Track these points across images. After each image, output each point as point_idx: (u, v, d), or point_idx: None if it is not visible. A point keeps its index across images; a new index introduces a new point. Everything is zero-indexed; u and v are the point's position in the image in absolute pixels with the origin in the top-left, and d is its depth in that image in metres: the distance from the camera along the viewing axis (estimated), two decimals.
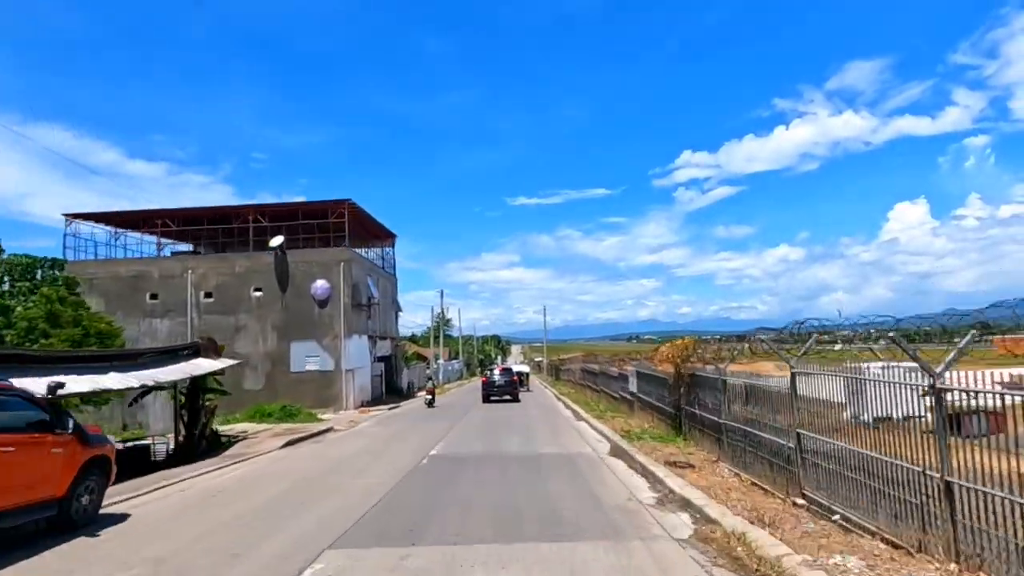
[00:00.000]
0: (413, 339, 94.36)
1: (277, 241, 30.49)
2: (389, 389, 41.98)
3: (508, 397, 32.94)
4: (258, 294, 30.89)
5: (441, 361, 66.38)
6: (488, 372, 36.29)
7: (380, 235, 41.16)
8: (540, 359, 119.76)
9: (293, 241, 31.97)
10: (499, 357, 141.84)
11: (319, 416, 25.86)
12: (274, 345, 30.62)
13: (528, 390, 43.22)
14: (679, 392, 14.69)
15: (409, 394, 42.65)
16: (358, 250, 38.00)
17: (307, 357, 30.52)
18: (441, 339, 71.01)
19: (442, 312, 67.91)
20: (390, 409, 30.84)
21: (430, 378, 36.84)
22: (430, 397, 30.80)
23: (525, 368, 54.34)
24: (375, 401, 34.77)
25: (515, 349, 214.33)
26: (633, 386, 20.63)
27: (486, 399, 32.43)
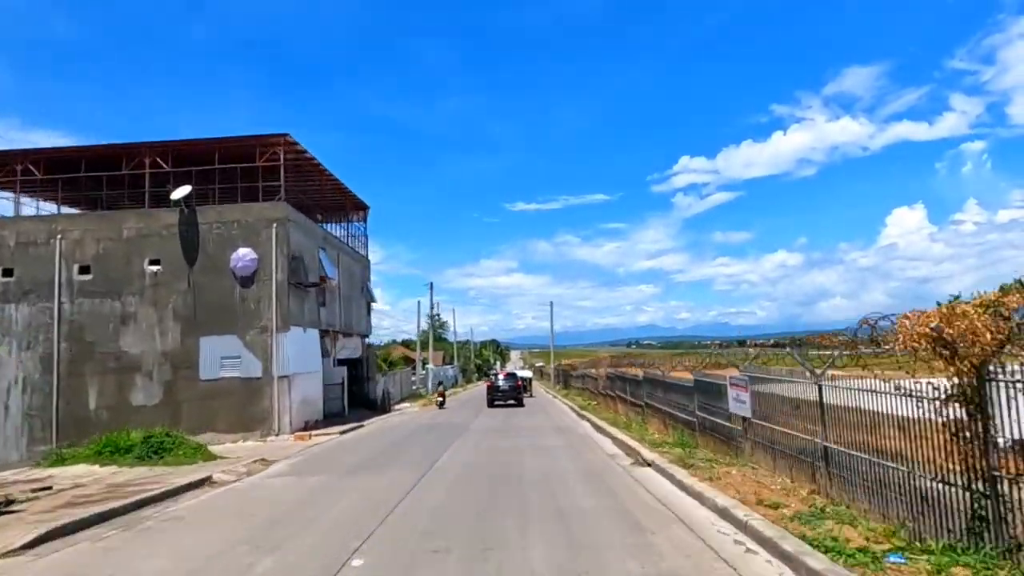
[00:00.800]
0: (406, 344, 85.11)
1: (182, 192, 21.29)
2: (357, 400, 32.68)
3: (512, 402, 33.03)
4: (155, 268, 21.65)
5: (431, 366, 57.07)
6: (493, 377, 37.46)
7: (345, 204, 31.96)
8: (541, 364, 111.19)
9: (206, 195, 22.77)
10: (498, 363, 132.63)
11: (215, 452, 16.54)
12: (176, 342, 21.36)
13: (531, 395, 41.77)
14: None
15: (384, 407, 33.40)
16: (324, 226, 28.83)
17: (224, 359, 21.26)
18: (431, 342, 61.72)
19: (432, 310, 58.53)
20: (344, 433, 21.58)
21: (441, 382, 43.01)
22: (441, 400, 34.49)
23: (528, 373, 52.27)
24: (331, 418, 25.55)
25: (514, 355, 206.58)
26: (741, 407, 11.45)
27: (491, 404, 32.79)
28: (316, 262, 24.70)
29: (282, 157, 21.93)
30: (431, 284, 55.45)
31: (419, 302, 53.84)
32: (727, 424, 12.42)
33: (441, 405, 33.85)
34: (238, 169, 22.08)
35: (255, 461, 14.57)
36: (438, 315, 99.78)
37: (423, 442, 17.72)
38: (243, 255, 21.28)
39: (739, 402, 11.67)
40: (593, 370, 34.11)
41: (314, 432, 21.21)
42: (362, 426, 24.14)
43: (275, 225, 21.46)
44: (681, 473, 10.29)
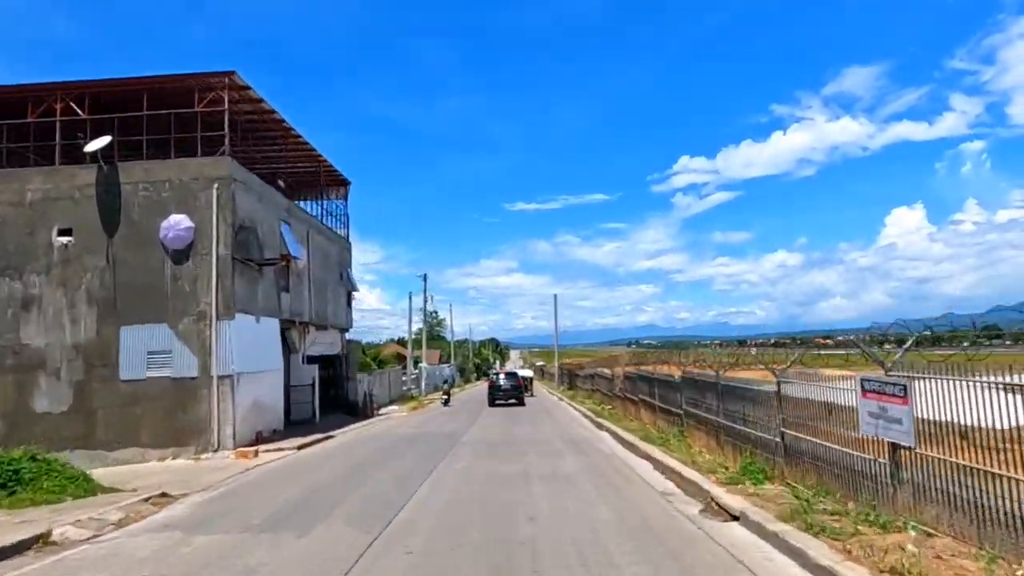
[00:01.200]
0: (402, 342, 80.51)
1: (99, 144, 16.86)
2: (335, 404, 28.31)
3: (513, 400, 32.62)
4: (65, 240, 17.23)
5: (424, 365, 52.63)
6: (494, 376, 36.95)
7: (319, 177, 27.52)
8: (542, 364, 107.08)
9: (132, 150, 18.29)
10: (497, 362, 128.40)
11: (114, 479, 12.06)
12: (91, 332, 16.95)
13: (531, 395, 40.38)
14: None
15: (366, 411, 28.97)
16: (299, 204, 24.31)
17: (151, 354, 16.84)
18: (424, 339, 57.28)
19: (426, 304, 53.85)
20: (303, 448, 17.16)
21: (446, 381, 43.96)
22: (446, 397, 35.07)
23: (528, 372, 51.56)
24: (297, 426, 21.13)
25: (514, 354, 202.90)
26: (892, 430, 7.03)
27: (491, 402, 32.34)
28: (276, 237, 20.28)
29: (226, 101, 17.47)
30: (424, 276, 51.08)
31: (410, 294, 49.45)
32: (850, 452, 8.01)
33: (446, 403, 34.52)
34: (171, 117, 17.59)
35: (147, 499, 10.13)
36: (435, 312, 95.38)
37: (398, 464, 13.31)
38: (175, 223, 16.86)
39: (885, 420, 7.25)
40: (606, 369, 29.72)
41: (264, 447, 16.80)
42: (331, 437, 19.73)
43: (216, 185, 17.02)
44: (819, 550, 5.84)
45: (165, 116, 17.61)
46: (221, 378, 16.66)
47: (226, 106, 17.43)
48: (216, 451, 16.32)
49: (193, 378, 16.67)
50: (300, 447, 17.07)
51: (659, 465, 11.72)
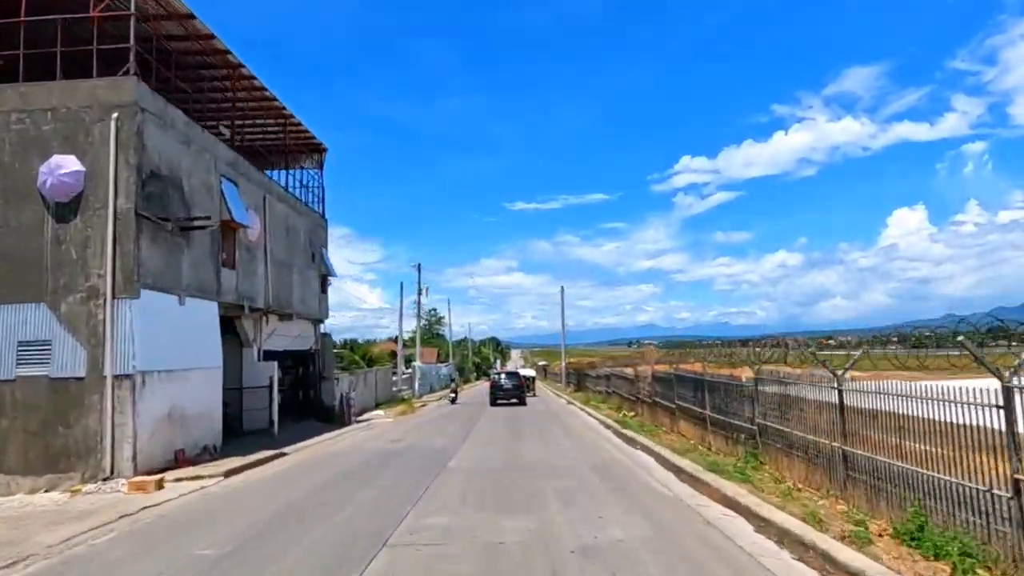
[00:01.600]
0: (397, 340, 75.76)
1: None
2: (307, 409, 23.85)
3: (515, 400, 31.58)
4: None
5: (418, 364, 47.97)
6: (495, 376, 36.54)
7: (284, 140, 22.94)
8: (544, 363, 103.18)
9: (4, 72, 13.66)
10: (498, 361, 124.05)
11: None
12: None
13: (533, 394, 39.52)
14: None
15: (342, 417, 24.38)
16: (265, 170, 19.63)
17: (22, 345, 12.30)
18: (419, 336, 52.63)
19: (420, 296, 48.60)
20: (232, 473, 12.57)
21: (452, 380, 44.98)
22: (453, 396, 36.55)
23: (531, 372, 49.99)
24: (244, 438, 16.54)
25: (515, 353, 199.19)
26: None
27: (493, 402, 31.26)
28: (214, 197, 15.70)
29: (132, 4, 12.89)
30: (419, 265, 46.38)
31: (401, 284, 44.84)
32: None
33: (453, 401, 35.57)
34: (59, 25, 12.98)
35: None
36: (434, 310, 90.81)
37: (344, 515, 8.74)
38: (58, 166, 12.28)
39: None
40: (627, 369, 25.16)
41: (180, 472, 12.25)
42: (282, 455, 15.18)
43: (116, 115, 12.44)
44: None
45: (51, 25, 13.00)
46: (118, 378, 12.08)
47: (132, 8, 12.84)
48: (108, 479, 11.75)
49: (79, 378, 12.11)
50: (229, 472, 12.49)
51: (764, 525, 7.15)
